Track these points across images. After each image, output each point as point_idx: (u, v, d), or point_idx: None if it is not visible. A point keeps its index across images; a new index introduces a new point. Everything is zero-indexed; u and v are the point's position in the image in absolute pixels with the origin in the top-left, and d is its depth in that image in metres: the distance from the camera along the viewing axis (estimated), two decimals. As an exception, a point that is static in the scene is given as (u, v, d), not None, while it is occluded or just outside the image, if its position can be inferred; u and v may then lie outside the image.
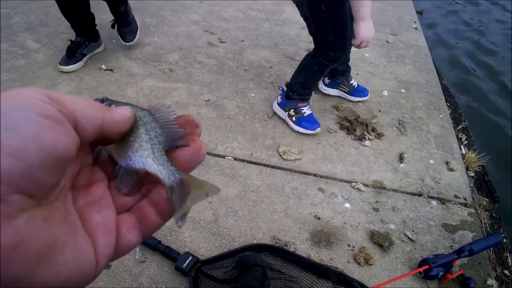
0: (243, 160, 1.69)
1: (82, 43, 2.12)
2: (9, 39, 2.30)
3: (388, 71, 2.43)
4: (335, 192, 1.59)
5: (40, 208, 0.19)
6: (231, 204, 1.48)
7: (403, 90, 2.28)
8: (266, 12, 2.95)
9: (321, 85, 2.13)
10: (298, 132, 1.85)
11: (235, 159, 1.69)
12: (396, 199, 1.60)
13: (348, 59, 2.00)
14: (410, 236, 1.44)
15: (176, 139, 0.27)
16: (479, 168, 1.86)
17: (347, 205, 1.54)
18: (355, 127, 1.93)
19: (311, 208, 1.51)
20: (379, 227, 1.47)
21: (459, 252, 1.26)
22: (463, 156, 1.88)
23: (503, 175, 2.14)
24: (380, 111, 2.08)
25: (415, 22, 3.08)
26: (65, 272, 0.20)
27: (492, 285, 1.33)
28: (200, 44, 2.47)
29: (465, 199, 1.64)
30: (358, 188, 1.62)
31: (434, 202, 1.61)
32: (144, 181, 0.28)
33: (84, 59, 2.15)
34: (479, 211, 1.60)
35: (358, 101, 2.10)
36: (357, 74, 2.30)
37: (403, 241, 1.43)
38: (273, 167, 1.68)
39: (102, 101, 0.28)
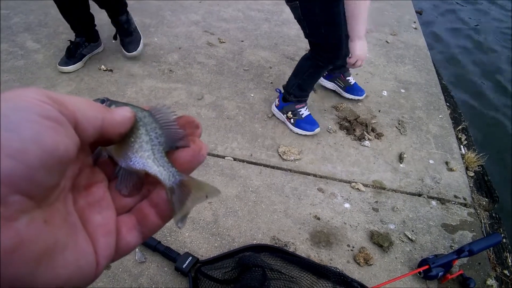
0: (243, 161, 1.69)
1: (82, 43, 2.11)
2: (9, 39, 2.30)
3: (387, 71, 2.43)
4: (335, 192, 1.59)
5: (40, 209, 0.19)
6: (230, 204, 1.48)
7: (402, 90, 2.28)
8: (266, 13, 2.95)
9: None
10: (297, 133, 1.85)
11: (234, 159, 1.69)
12: (395, 199, 1.60)
13: (346, 55, 1.99)
14: (410, 236, 1.44)
15: (176, 140, 0.27)
16: (478, 168, 1.86)
17: (346, 205, 1.54)
18: (355, 127, 1.93)
19: (310, 208, 1.51)
20: (378, 227, 1.47)
21: (459, 252, 1.26)
22: (462, 156, 1.88)
23: (503, 175, 2.14)
24: (379, 111, 2.08)
25: (414, 22, 3.08)
26: (66, 273, 0.20)
27: (492, 285, 1.33)
28: (200, 44, 2.47)
29: (464, 199, 1.65)
30: (357, 188, 1.62)
31: (433, 202, 1.61)
32: (144, 182, 0.28)
33: (84, 59, 2.15)
34: (478, 211, 1.60)
35: (352, 99, 2.10)
36: (357, 74, 2.30)
37: (402, 241, 1.43)
38: (272, 167, 1.68)
39: (102, 101, 0.28)
